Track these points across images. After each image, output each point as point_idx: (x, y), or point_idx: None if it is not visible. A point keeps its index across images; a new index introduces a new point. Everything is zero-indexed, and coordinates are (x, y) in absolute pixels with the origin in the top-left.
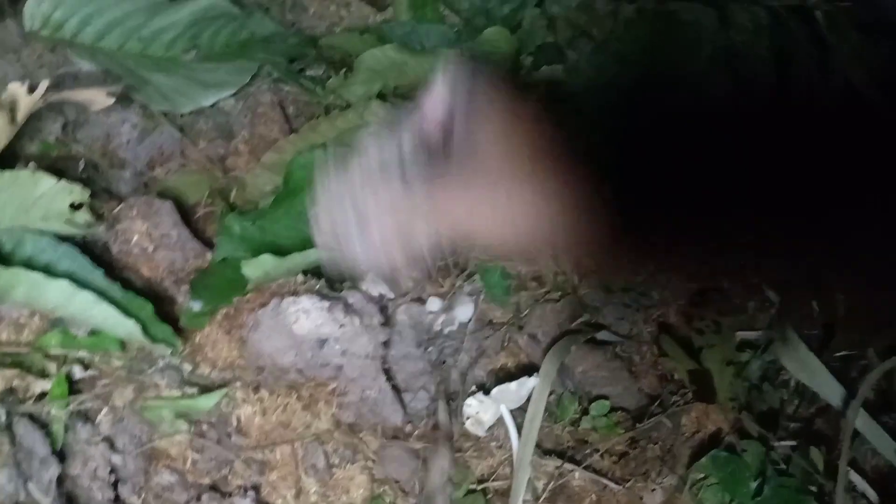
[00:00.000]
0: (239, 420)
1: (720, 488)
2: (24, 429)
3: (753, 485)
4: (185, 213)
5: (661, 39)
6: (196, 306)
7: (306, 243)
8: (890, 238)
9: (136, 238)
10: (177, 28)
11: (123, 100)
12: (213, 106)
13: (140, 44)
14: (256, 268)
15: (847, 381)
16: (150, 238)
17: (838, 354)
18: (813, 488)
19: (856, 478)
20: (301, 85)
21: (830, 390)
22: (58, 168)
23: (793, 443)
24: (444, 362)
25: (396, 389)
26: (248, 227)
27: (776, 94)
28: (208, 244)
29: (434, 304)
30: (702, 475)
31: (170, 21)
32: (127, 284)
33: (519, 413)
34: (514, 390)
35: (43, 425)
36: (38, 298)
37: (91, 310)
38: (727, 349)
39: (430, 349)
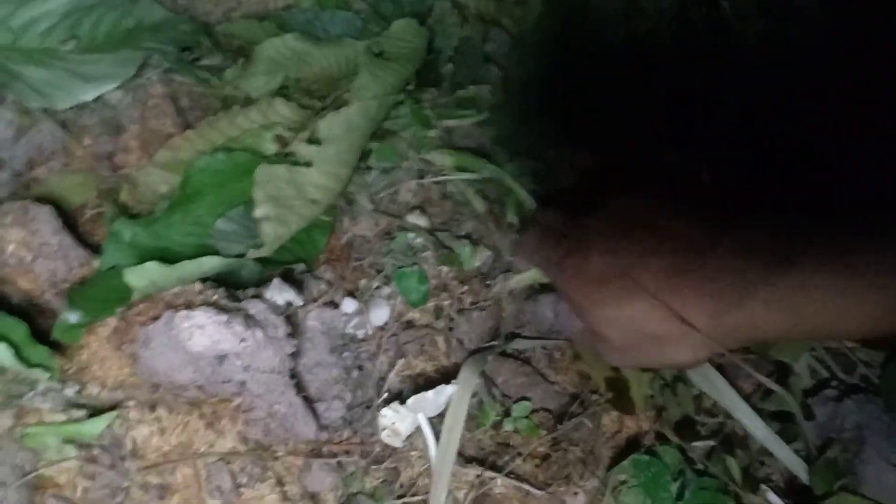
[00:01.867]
0: (135, 442)
1: (641, 491)
2: None
3: (674, 488)
4: (70, 218)
5: (572, 29)
6: (72, 318)
7: (204, 250)
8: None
9: (11, 248)
10: (52, 17)
11: None
12: (97, 100)
13: (10, 35)
14: (141, 276)
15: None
16: (27, 247)
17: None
18: (732, 490)
19: (774, 498)
20: (195, 76)
21: (731, 402)
22: None
23: (711, 443)
24: (360, 367)
25: (309, 400)
26: (139, 233)
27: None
28: (96, 251)
29: (349, 305)
30: (623, 477)
31: (44, 10)
32: (2, 300)
33: (439, 421)
34: (432, 399)
35: None
36: None
37: None
38: None
39: (345, 354)
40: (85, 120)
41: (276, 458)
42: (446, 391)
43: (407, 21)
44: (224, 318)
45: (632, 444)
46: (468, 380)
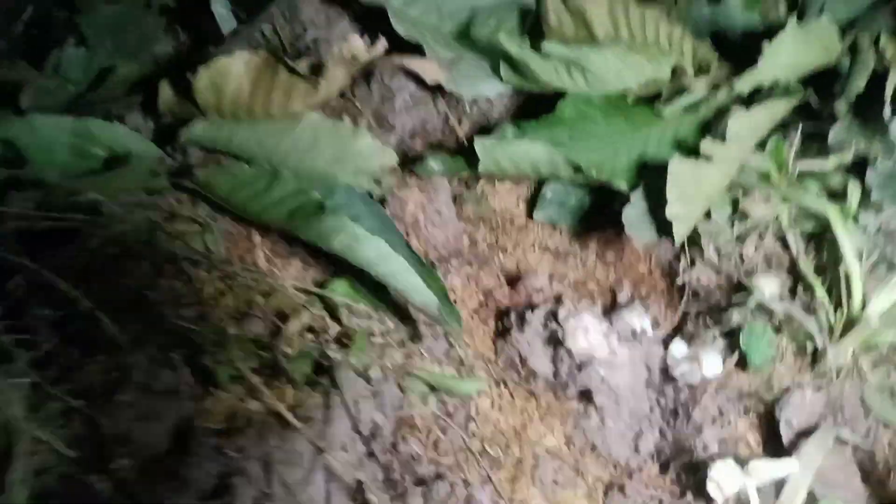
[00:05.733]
0: (477, 409)
1: None
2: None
3: None
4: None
5: None
6: (434, 165)
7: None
8: None
9: (411, 208)
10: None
11: None
12: None
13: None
14: (483, 147)
15: None
16: (423, 211)
17: None
18: None
19: None
20: None
21: None
22: None
23: None
24: (677, 411)
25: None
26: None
27: None
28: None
29: (679, 348)
30: None
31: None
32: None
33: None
34: (768, 469)
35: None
36: (351, 252)
37: (399, 276)
38: None
39: (666, 390)
40: (466, 107)
41: (588, 473)
42: (785, 466)
43: (828, 22)
44: (605, 326)
45: None
46: (810, 463)
